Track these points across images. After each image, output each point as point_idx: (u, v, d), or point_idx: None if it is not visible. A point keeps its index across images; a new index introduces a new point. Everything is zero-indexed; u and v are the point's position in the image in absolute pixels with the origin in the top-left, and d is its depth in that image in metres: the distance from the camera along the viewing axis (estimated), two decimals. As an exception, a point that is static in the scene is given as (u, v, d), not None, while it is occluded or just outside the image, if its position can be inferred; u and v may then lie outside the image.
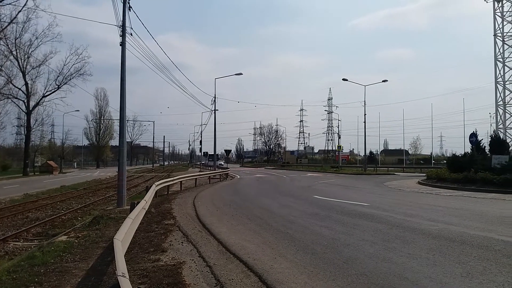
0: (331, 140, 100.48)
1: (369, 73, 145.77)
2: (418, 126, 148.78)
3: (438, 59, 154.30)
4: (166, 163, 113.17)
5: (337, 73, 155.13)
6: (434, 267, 5.31)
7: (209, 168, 50.37)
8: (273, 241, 7.27)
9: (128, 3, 14.34)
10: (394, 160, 72.12)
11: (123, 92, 14.32)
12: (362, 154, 46.83)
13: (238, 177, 34.91)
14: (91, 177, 37.21)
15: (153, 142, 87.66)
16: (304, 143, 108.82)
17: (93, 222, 10.45)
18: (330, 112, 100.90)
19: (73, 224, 11.58)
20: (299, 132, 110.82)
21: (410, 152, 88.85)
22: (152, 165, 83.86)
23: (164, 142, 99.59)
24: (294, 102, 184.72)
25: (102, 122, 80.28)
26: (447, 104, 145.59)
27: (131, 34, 14.78)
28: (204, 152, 64.32)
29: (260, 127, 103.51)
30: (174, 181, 20.61)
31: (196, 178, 24.96)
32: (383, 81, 43.69)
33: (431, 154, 67.32)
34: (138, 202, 8.74)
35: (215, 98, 35.69)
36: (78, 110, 75.61)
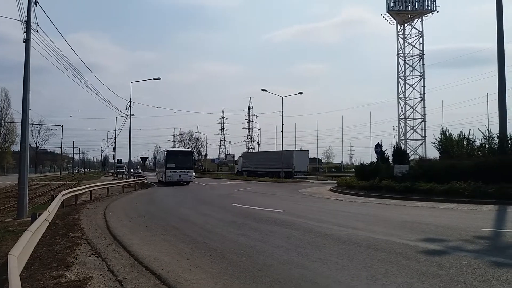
0: (251, 148, 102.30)
1: (286, 85, 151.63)
2: (331, 136, 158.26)
3: (348, 74, 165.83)
4: (76, 171, 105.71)
5: (257, 83, 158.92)
6: (343, 271, 5.59)
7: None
8: (189, 252, 7.10)
9: (34, -4, 13.21)
10: (309, 168, 75.41)
11: (26, 92, 13.12)
12: (279, 162, 48.21)
13: (155, 185, 33.81)
14: (-13, 186, 33.40)
15: (61, 148, 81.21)
16: (225, 151, 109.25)
17: (-14, 236, 9.32)
18: (250, 121, 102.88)
19: (-40, 239, 10.20)
20: (220, 140, 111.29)
21: (323, 160, 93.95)
22: (60, 173, 77.72)
23: (73, 148, 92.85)
24: (215, 109, 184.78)
25: (3, 125, 72.71)
26: (356, 116, 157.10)
27: (37, 31, 13.62)
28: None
29: (179, 134, 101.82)
30: (84, 190, 19.28)
31: (108, 187, 23.63)
32: (298, 93, 45.85)
33: (342, 162, 71.74)
34: (41, 213, 8.00)
35: (130, 103, 34.22)
36: (-26, 112, 67.52)
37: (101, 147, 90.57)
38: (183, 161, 34.09)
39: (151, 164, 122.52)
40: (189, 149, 41.32)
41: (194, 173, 36.83)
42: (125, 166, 67.60)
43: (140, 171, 70.29)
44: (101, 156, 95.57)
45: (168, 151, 36.12)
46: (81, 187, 19.47)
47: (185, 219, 11.96)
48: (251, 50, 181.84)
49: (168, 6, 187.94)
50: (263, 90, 43.75)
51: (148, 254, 6.99)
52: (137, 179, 33.98)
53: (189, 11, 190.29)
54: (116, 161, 60.09)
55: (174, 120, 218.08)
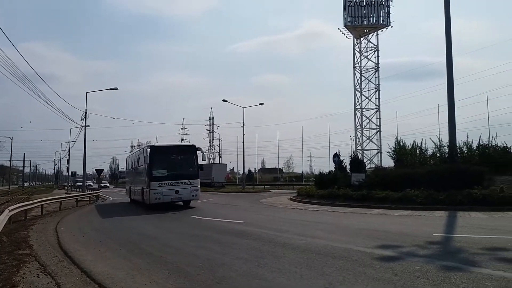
0: (213, 159, 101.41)
1: (248, 96, 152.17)
2: (291, 146, 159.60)
3: (308, 86, 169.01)
4: (26, 184, 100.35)
5: (219, 94, 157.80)
6: (301, 280, 5.60)
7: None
8: (145, 267, 6.87)
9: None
10: (270, 178, 75.85)
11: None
12: (241, 172, 48.48)
13: (111, 199, 32.66)
14: None
15: (11, 160, 76.95)
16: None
17: None
18: (211, 132, 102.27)
19: None
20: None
21: (284, 170, 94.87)
22: (8, 187, 73.47)
23: (24, 160, 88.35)
24: (175, 120, 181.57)
25: None
26: (316, 127, 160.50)
27: (-16, 38, 12.96)
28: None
29: (138, 145, 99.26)
30: (34, 205, 18.29)
31: (61, 201, 22.57)
32: (260, 104, 46.39)
33: (302, 172, 72.68)
34: (-16, 231, 7.49)
35: (85, 113, 33.16)
36: None
37: (54, 159, 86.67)
38: (181, 165, 20.56)
39: (107, 176, 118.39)
40: (190, 144, 23.49)
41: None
42: (93, 179, 64.18)
43: (107, 184, 67.19)
44: (54, 169, 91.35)
45: (153, 147, 20.19)
46: (31, 202, 18.46)
47: (141, 232, 11.60)
48: (213, 61, 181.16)
49: (126, 16, 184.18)
50: (224, 100, 44.00)
51: (102, 270, 6.69)
52: (92, 192, 32.70)
53: (149, 22, 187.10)
54: (70, 173, 57.42)
55: (132, 131, 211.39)
